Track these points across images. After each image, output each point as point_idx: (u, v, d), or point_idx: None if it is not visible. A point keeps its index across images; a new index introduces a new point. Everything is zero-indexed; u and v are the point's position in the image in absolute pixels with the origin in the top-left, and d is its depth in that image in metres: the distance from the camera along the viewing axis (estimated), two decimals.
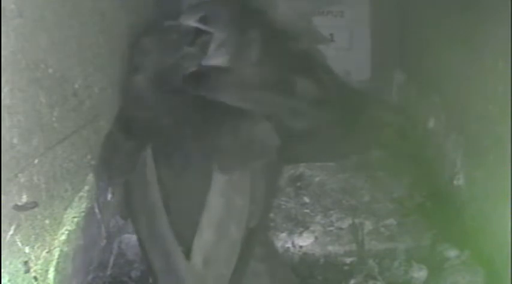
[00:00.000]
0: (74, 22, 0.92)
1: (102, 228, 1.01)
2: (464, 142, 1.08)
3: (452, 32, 1.13)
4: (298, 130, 1.19)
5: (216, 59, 1.20)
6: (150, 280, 0.99)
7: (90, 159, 0.97)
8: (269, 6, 1.35)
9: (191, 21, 1.25)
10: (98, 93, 1.02)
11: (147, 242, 0.96)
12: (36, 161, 0.75)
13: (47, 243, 0.79)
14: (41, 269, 0.76)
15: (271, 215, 1.14)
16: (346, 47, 1.66)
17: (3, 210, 0.66)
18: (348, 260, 1.05)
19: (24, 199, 0.71)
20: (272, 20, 1.32)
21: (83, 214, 0.91)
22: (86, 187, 0.95)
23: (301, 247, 1.07)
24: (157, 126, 1.06)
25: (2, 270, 0.66)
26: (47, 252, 0.78)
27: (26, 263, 0.72)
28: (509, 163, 0.86)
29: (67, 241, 0.84)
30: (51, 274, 0.79)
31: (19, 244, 0.70)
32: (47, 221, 0.78)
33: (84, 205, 0.92)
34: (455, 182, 1.10)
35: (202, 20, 1.24)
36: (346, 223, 1.12)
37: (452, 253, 1.02)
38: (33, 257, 0.74)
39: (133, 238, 1.05)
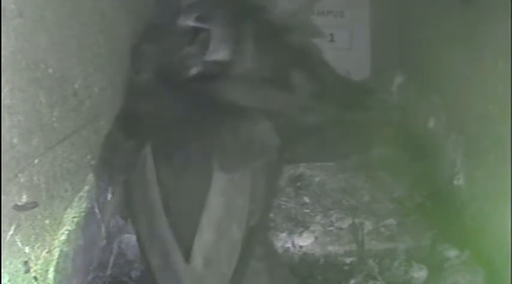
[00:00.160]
0: (74, 22, 0.92)
1: (102, 228, 1.01)
2: (464, 142, 1.08)
3: (452, 32, 1.13)
4: (307, 125, 1.19)
5: (218, 53, 1.21)
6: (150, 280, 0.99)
7: (90, 159, 0.97)
8: (269, 3, 1.37)
9: (189, 21, 1.25)
10: (98, 93, 1.02)
11: (146, 242, 0.96)
12: (36, 161, 0.75)
13: (47, 243, 0.79)
14: (41, 269, 0.76)
15: (271, 215, 1.14)
16: (346, 47, 1.66)
17: (3, 210, 0.66)
18: (348, 260, 1.05)
19: (24, 199, 0.71)
20: (270, 14, 1.33)
21: (83, 214, 0.91)
22: (86, 187, 0.95)
23: (301, 247, 1.07)
24: (158, 125, 1.06)
25: (2, 270, 0.66)
26: (47, 252, 0.78)
27: (26, 263, 0.72)
28: (509, 163, 0.86)
29: (67, 241, 0.84)
30: (51, 274, 0.79)
31: (19, 244, 0.70)
32: (47, 221, 0.78)
33: (84, 205, 0.92)
34: (455, 182, 1.10)
35: (199, 18, 1.25)
36: (346, 223, 1.12)
37: (452, 253, 1.02)
38: (33, 257, 0.74)
39: (133, 238, 1.05)
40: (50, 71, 0.81)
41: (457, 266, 0.98)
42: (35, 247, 0.75)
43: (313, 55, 1.40)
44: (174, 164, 1.01)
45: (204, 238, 0.91)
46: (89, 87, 0.98)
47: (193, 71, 1.18)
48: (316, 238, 1.09)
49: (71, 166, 0.88)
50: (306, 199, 1.20)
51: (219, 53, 1.21)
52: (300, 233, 1.09)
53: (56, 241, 0.82)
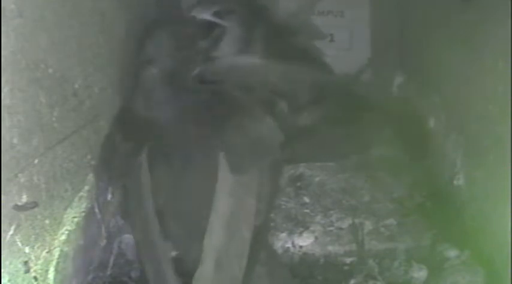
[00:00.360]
0: (74, 22, 0.92)
1: (102, 228, 1.01)
2: (464, 142, 1.08)
3: (452, 32, 1.13)
4: (298, 127, 1.19)
5: (230, 52, 1.20)
6: None
7: (90, 159, 0.97)
8: (272, 3, 1.37)
9: (206, 15, 1.24)
10: (98, 93, 1.02)
11: (141, 246, 0.96)
12: (36, 161, 0.75)
13: (47, 243, 0.79)
14: (41, 269, 0.76)
15: (271, 215, 1.14)
16: (346, 47, 1.66)
17: (3, 210, 0.66)
18: (348, 260, 1.05)
19: (24, 199, 0.71)
20: (274, 15, 1.33)
21: (83, 214, 0.91)
22: (86, 187, 0.95)
23: (301, 247, 1.07)
24: (158, 125, 1.05)
25: (2, 270, 0.66)
26: (47, 252, 0.78)
27: (26, 263, 0.72)
28: (509, 163, 0.86)
29: (67, 241, 0.84)
30: (51, 274, 0.79)
31: (19, 244, 0.70)
32: (47, 221, 0.78)
33: (84, 205, 0.92)
34: (455, 182, 1.10)
35: (217, 14, 1.24)
36: (346, 223, 1.12)
37: (452, 253, 1.02)
38: (33, 257, 0.74)
39: (133, 238, 1.05)
40: (50, 71, 0.81)
41: (457, 266, 0.98)
42: (35, 247, 0.75)
43: (314, 55, 1.40)
44: (174, 165, 1.00)
45: (214, 240, 0.90)
46: (89, 87, 0.98)
47: (200, 68, 1.16)
48: (316, 238, 1.09)
49: (71, 166, 0.88)
50: (306, 199, 1.20)
51: (229, 51, 1.20)
52: (300, 233, 1.09)
53: (56, 241, 0.82)
